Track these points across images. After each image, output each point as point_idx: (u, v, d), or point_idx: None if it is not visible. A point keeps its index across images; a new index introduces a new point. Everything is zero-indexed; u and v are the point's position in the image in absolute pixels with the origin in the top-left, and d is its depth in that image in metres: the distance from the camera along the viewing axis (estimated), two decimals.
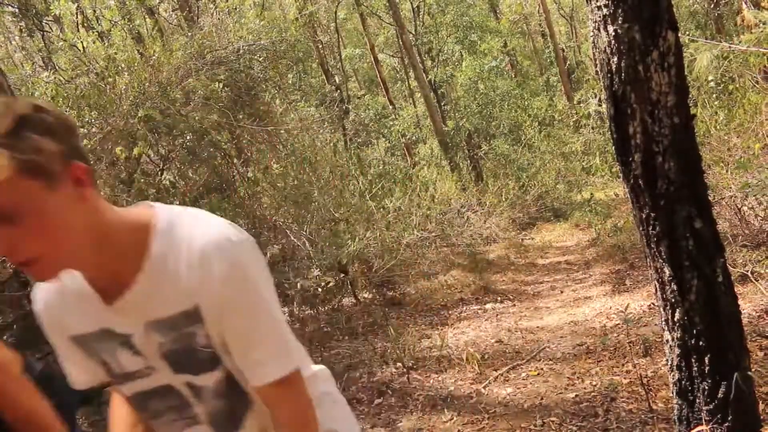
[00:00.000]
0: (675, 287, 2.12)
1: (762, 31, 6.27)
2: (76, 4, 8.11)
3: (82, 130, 4.99)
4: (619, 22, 2.01)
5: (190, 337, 0.96)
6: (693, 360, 2.15)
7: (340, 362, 4.92)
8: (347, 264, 6.21)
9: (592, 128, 13.13)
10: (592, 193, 9.25)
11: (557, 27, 24.24)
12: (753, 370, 2.37)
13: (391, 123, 16.46)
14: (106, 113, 5.18)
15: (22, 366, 1.42)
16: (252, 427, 1.07)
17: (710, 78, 6.70)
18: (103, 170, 5.11)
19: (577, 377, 3.79)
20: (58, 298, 1.02)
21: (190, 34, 6.51)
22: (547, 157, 13.41)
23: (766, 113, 5.59)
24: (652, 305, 4.67)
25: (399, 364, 4.51)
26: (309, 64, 13.81)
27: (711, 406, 2.13)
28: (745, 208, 5.21)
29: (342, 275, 6.32)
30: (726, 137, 5.74)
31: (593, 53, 2.18)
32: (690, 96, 2.19)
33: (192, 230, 0.94)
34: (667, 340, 2.23)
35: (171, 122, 5.62)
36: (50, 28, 9.44)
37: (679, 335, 2.16)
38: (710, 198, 2.19)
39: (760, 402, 2.41)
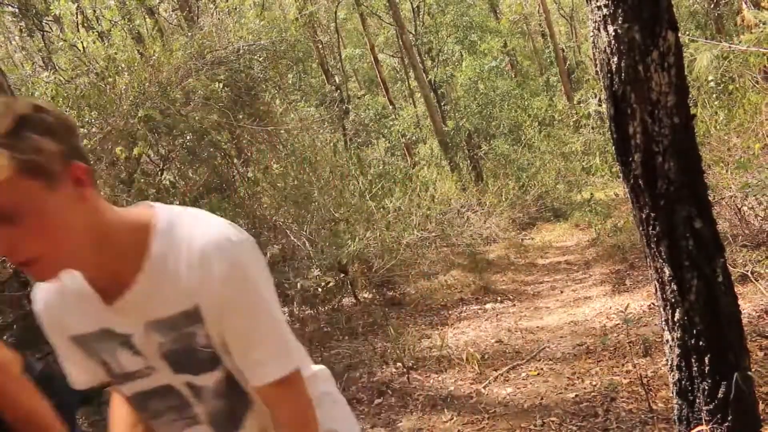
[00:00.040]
0: (675, 287, 2.12)
1: (762, 31, 6.27)
2: (76, 4, 8.10)
3: (82, 130, 4.99)
4: (619, 22, 2.01)
5: (190, 337, 0.96)
6: (693, 360, 2.15)
7: (340, 362, 4.92)
8: (347, 264, 6.21)
9: (592, 128, 13.12)
10: (592, 193, 9.23)
11: (557, 27, 24.25)
12: (753, 370, 2.37)
13: (391, 123, 16.46)
14: (106, 113, 5.18)
15: (22, 366, 1.42)
16: (252, 427, 1.07)
17: (710, 78, 6.69)
18: (103, 170, 5.11)
19: (577, 377, 3.79)
20: (58, 298, 1.02)
21: (190, 34, 6.51)
22: (547, 157, 13.41)
23: (766, 113, 5.59)
24: (652, 305, 4.67)
25: (399, 364, 4.51)
26: (309, 64, 13.81)
27: (711, 406, 2.13)
28: (745, 208, 5.21)
29: (342, 275, 6.32)
30: (726, 137, 5.74)
31: (593, 53, 2.18)
32: (690, 96, 2.19)
33: (192, 230, 0.94)
34: (667, 340, 2.23)
35: (171, 122, 5.62)
36: (50, 28, 9.43)
37: (679, 335, 2.16)
38: (710, 198, 2.19)
39: (760, 402, 2.41)
